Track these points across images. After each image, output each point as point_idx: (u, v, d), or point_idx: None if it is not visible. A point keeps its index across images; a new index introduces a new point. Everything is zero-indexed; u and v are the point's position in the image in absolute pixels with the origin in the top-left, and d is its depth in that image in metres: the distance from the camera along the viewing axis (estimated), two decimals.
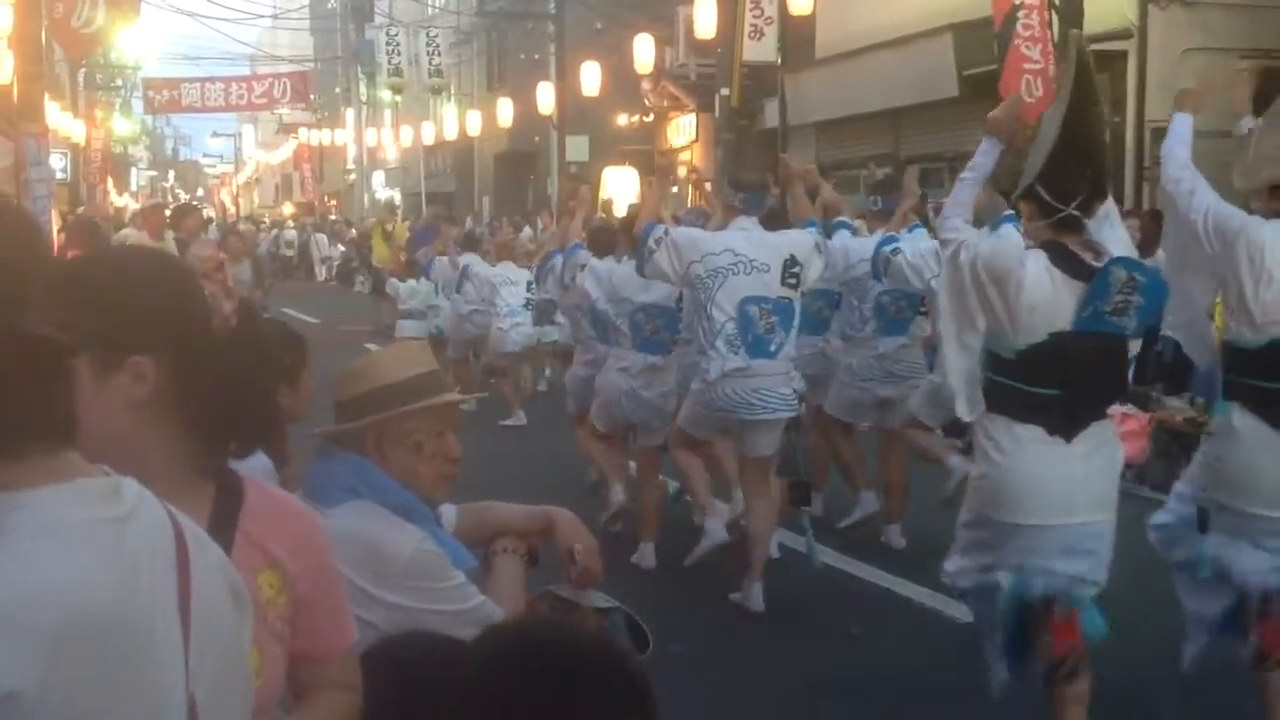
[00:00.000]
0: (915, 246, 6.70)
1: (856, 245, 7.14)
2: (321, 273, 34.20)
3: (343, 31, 48.72)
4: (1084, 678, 4.17)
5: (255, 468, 2.05)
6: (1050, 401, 4.06)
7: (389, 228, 21.82)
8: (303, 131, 49.39)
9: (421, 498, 2.64)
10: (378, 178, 46.49)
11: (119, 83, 40.58)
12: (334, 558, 1.93)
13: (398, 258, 16.67)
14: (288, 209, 51.13)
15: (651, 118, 25.19)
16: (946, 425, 7.03)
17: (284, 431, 2.55)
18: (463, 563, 2.65)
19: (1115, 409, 8.77)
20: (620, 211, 13.28)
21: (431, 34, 31.94)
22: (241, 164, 73.84)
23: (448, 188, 37.54)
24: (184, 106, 39.08)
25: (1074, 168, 4.09)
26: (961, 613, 5.29)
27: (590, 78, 23.10)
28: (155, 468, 1.60)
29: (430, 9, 34.27)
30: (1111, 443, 4.26)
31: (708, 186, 10.38)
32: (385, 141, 40.92)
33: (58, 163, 21.51)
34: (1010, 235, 4.26)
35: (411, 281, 13.84)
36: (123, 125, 43.64)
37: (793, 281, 6.15)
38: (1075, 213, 4.06)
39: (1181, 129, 4.49)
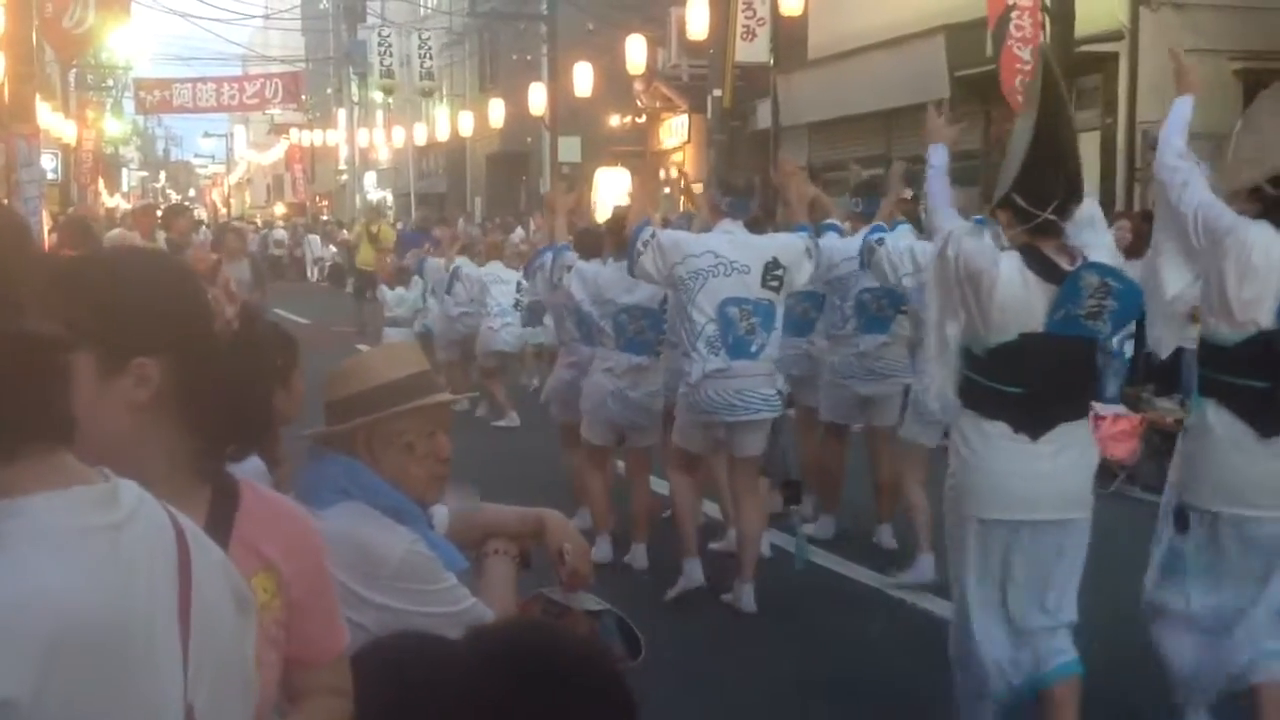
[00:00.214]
0: (896, 243, 6.69)
1: (840, 245, 7.15)
2: (313, 273, 34.17)
3: (335, 32, 48.71)
4: (1075, 678, 4.18)
5: (248, 470, 2.04)
6: (1015, 399, 4.12)
7: (374, 229, 21.71)
8: (294, 132, 49.36)
9: (413, 499, 2.63)
10: (369, 178, 46.48)
11: (110, 83, 40.47)
12: (327, 560, 1.92)
13: (383, 260, 16.59)
14: (279, 210, 51.13)
15: (644, 118, 25.22)
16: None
17: (277, 433, 2.54)
18: (454, 564, 2.63)
19: (1107, 410, 8.88)
20: (603, 214, 13.24)
21: (423, 35, 31.90)
22: (233, 165, 73.76)
23: (440, 188, 37.57)
24: (175, 107, 38.92)
25: (1048, 173, 4.13)
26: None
27: (582, 78, 23.13)
28: (155, 470, 1.59)
29: (422, 10, 34.29)
30: (1084, 443, 4.29)
31: (696, 189, 10.38)
32: (377, 142, 40.95)
33: (49, 163, 21.45)
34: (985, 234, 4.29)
35: (400, 289, 13.81)
36: (114, 126, 43.53)
37: (774, 284, 6.14)
38: (1051, 217, 4.09)
39: (1182, 111, 4.47)
